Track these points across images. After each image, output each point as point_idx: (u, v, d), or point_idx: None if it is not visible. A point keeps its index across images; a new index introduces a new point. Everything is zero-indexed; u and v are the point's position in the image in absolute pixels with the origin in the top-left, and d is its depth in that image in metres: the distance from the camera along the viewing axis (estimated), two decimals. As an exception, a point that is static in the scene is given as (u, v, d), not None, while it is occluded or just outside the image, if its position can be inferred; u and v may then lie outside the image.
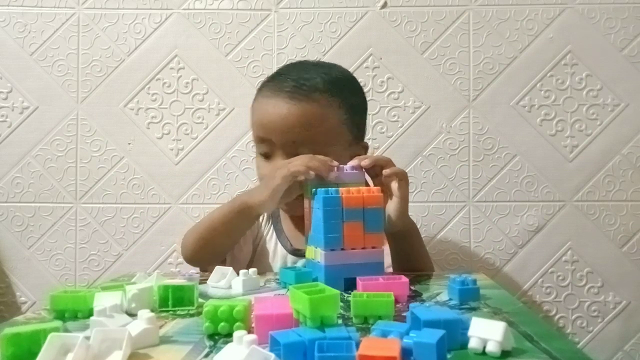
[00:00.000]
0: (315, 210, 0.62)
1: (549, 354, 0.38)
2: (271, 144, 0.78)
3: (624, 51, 1.05)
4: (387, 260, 0.71)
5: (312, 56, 1.07)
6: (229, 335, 0.42)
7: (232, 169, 1.08)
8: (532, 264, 1.05)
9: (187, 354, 0.40)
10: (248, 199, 0.73)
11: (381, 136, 1.07)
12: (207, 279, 0.66)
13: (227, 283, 0.63)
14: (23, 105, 1.10)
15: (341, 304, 0.52)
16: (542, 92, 1.06)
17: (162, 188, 1.09)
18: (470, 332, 0.38)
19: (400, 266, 0.76)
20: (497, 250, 1.06)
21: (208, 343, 0.42)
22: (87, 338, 0.37)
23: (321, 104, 0.77)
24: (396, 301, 0.50)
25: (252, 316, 0.43)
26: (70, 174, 1.10)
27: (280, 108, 0.77)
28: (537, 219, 1.05)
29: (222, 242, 0.77)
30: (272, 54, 1.08)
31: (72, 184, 1.10)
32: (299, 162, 0.67)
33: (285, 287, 0.63)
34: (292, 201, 0.73)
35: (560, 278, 1.05)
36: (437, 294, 0.58)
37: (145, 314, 0.42)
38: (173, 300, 0.52)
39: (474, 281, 0.55)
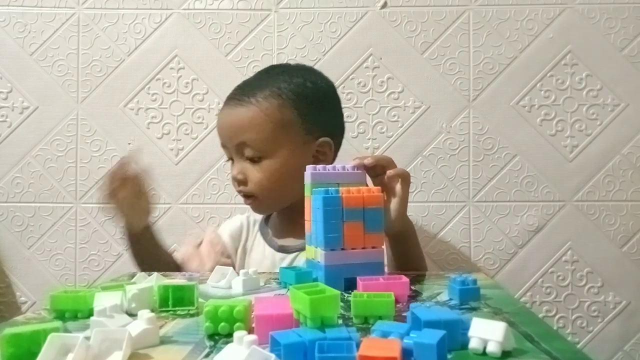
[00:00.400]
0: (315, 210, 0.62)
1: (550, 354, 0.38)
2: (228, 148, 0.84)
3: (624, 51, 1.05)
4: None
5: (312, 56, 1.08)
6: (229, 336, 0.42)
7: (232, 169, 1.08)
8: (532, 264, 1.05)
9: (188, 354, 0.40)
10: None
11: (381, 136, 1.07)
12: (207, 279, 0.66)
13: (227, 283, 0.63)
14: (23, 105, 1.10)
15: (341, 304, 0.52)
16: (542, 92, 1.06)
17: (162, 188, 1.09)
18: (470, 333, 0.38)
19: (397, 266, 0.77)
20: (497, 250, 1.06)
21: (208, 343, 0.42)
22: (87, 338, 0.37)
23: (259, 107, 0.79)
24: (396, 301, 0.50)
25: (252, 316, 0.43)
26: (70, 174, 1.10)
27: (225, 115, 0.83)
28: (537, 219, 1.05)
29: (149, 263, 0.83)
30: (272, 54, 1.08)
31: (72, 184, 1.10)
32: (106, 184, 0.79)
33: (285, 287, 0.63)
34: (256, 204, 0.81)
35: (560, 278, 1.05)
36: (438, 294, 0.58)
37: (145, 314, 0.42)
38: (173, 300, 0.52)
39: (474, 281, 0.55)
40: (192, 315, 0.51)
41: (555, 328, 0.99)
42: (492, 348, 0.37)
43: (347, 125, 1.07)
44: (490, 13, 1.07)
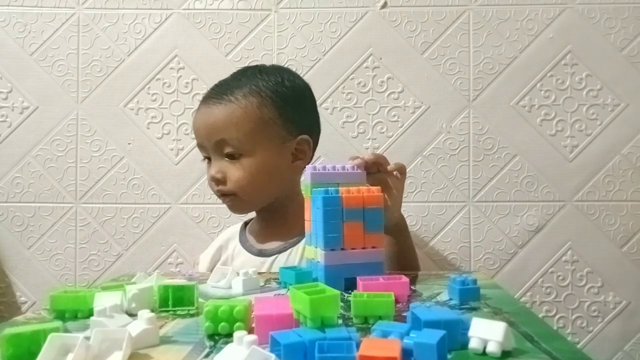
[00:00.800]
0: (315, 210, 0.62)
1: (550, 354, 0.38)
2: (205, 148, 0.83)
3: (624, 51, 1.05)
4: None
5: (312, 56, 1.08)
6: (229, 336, 0.42)
7: (232, 169, 1.08)
8: (532, 264, 1.05)
9: (188, 354, 0.40)
10: None
11: (381, 136, 1.07)
12: (207, 279, 0.66)
13: (227, 283, 0.63)
14: (23, 105, 1.10)
15: (341, 304, 0.52)
16: (542, 92, 1.06)
17: (162, 188, 1.09)
18: (470, 333, 0.38)
19: (392, 262, 0.78)
20: (497, 250, 1.06)
21: (208, 343, 0.42)
22: (87, 338, 0.37)
23: (239, 105, 0.79)
24: (396, 301, 0.50)
25: (252, 316, 0.43)
26: (70, 174, 1.10)
27: (203, 114, 0.82)
28: (537, 219, 1.05)
29: None
30: (272, 54, 1.08)
31: (72, 184, 1.10)
32: None
33: (285, 287, 0.63)
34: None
35: (560, 278, 1.05)
36: (437, 294, 0.58)
37: (145, 314, 0.42)
38: (173, 300, 0.52)
39: (474, 281, 0.55)
40: (192, 315, 0.51)
41: (555, 328, 0.99)
42: (492, 348, 0.37)
43: (347, 125, 1.07)
44: (490, 13, 1.07)
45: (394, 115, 1.07)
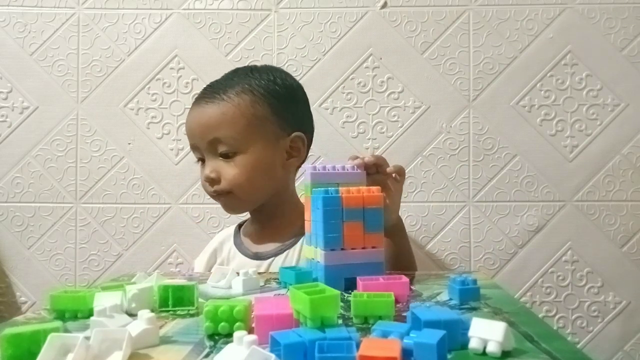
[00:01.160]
0: (315, 210, 0.62)
1: (550, 354, 0.38)
2: (198, 148, 0.83)
3: (624, 51, 1.05)
4: None
5: (312, 56, 1.08)
6: (229, 336, 0.42)
7: (232, 169, 1.08)
8: (532, 264, 1.05)
9: (187, 354, 0.40)
10: None
11: (381, 136, 1.07)
12: (207, 279, 0.66)
13: (227, 283, 0.63)
14: (23, 105, 1.10)
15: (341, 304, 0.52)
16: (542, 92, 1.06)
17: (162, 188, 1.09)
18: (470, 333, 0.38)
19: (389, 263, 0.78)
20: (497, 250, 1.06)
21: (208, 343, 0.42)
22: (87, 338, 0.37)
23: (232, 103, 0.79)
24: (396, 301, 0.50)
25: (252, 316, 0.43)
26: (70, 174, 1.10)
27: (196, 114, 0.82)
28: (537, 219, 1.05)
29: None
30: (272, 54, 1.08)
31: (72, 184, 1.10)
32: None
33: (285, 287, 0.63)
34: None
35: (560, 278, 1.05)
36: (437, 294, 0.58)
37: (145, 314, 0.42)
38: (173, 300, 0.52)
39: (474, 281, 0.55)
40: (192, 315, 0.51)
41: (555, 328, 0.99)
42: (492, 348, 0.37)
43: (347, 125, 1.07)
44: (490, 13, 1.07)
45: (394, 115, 1.07)
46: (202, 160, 0.84)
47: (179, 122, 1.09)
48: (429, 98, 1.07)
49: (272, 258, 0.82)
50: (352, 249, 0.61)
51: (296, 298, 0.43)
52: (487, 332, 0.38)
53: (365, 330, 0.44)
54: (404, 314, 0.47)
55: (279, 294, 0.59)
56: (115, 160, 1.10)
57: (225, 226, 1.05)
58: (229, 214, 1.02)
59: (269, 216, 0.86)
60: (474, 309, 0.52)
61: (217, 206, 1.05)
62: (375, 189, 0.63)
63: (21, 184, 1.10)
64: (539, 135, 1.06)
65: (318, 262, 0.62)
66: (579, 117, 1.06)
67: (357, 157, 0.71)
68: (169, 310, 0.52)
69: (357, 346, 0.34)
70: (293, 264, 0.80)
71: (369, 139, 1.07)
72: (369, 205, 0.61)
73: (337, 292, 0.43)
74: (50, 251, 1.10)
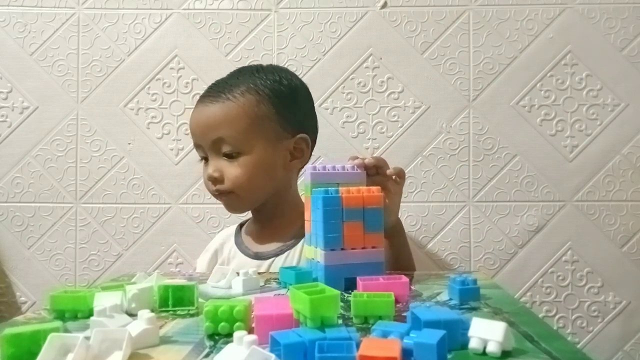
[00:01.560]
0: (315, 210, 0.62)
1: (549, 354, 0.38)
2: (202, 147, 0.83)
3: (624, 51, 1.05)
4: None
5: (312, 56, 1.08)
6: (229, 336, 0.42)
7: (232, 169, 1.08)
8: (532, 264, 1.05)
9: (187, 354, 0.40)
10: None
11: (381, 136, 1.07)
12: (207, 279, 0.66)
13: (227, 283, 0.63)
14: (23, 105, 1.10)
15: (341, 304, 0.52)
16: (542, 92, 1.06)
17: (162, 188, 1.09)
18: (470, 333, 0.38)
19: (388, 265, 0.77)
20: (497, 250, 1.06)
21: (208, 343, 0.42)
22: (87, 338, 0.37)
23: (237, 103, 0.79)
24: (396, 301, 0.50)
25: (252, 316, 0.43)
26: (70, 174, 1.10)
27: (200, 113, 0.82)
28: (537, 219, 1.05)
29: None
30: (272, 54, 1.08)
31: (72, 184, 1.10)
32: None
33: (285, 287, 0.63)
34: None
35: (560, 278, 1.05)
36: (437, 294, 0.58)
37: (145, 314, 0.42)
38: (173, 300, 0.52)
39: (474, 281, 0.55)
40: (192, 315, 0.51)
41: (555, 328, 0.99)
42: (492, 348, 0.37)
43: (347, 125, 1.07)
44: (490, 13, 1.07)
45: (394, 115, 1.07)
46: (205, 159, 0.84)
47: (179, 122, 1.09)
48: (429, 98, 1.07)
49: (273, 258, 0.82)
50: (352, 249, 0.61)
51: (296, 298, 0.43)
52: (487, 332, 0.38)
53: (365, 330, 0.44)
54: (404, 314, 0.47)
55: (279, 294, 0.59)
56: (115, 160, 1.10)
57: (225, 226, 1.05)
58: (229, 214, 1.03)
59: (270, 216, 0.86)
60: (474, 309, 0.52)
61: (217, 206, 1.05)
62: (375, 189, 0.63)
63: (21, 184, 1.10)
64: (539, 135, 1.06)
65: (318, 262, 0.62)
66: (579, 117, 1.06)
67: (357, 157, 0.71)
68: (169, 310, 0.52)
69: (357, 346, 0.34)
70: (294, 264, 0.80)
71: (369, 139, 1.07)
72: (369, 205, 0.61)
73: (337, 292, 0.43)
74: (50, 251, 1.10)
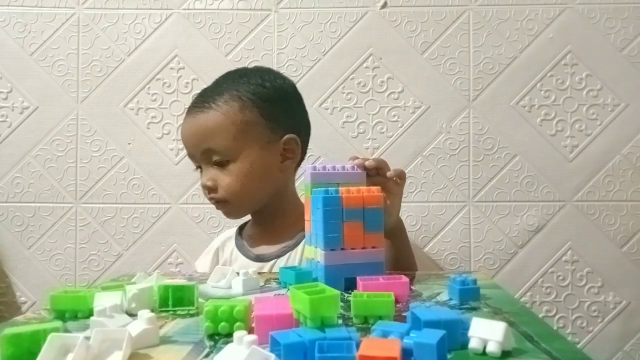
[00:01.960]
0: (315, 210, 0.62)
1: (549, 354, 0.38)
2: (194, 157, 0.83)
3: (624, 51, 1.05)
4: None
5: (312, 56, 1.08)
6: (229, 336, 0.42)
7: (232, 169, 1.08)
8: (532, 264, 1.05)
9: (187, 354, 0.40)
10: None
11: (381, 136, 1.07)
12: (207, 279, 0.66)
13: (227, 283, 0.63)
14: (23, 105, 1.10)
15: (341, 304, 0.52)
16: (542, 92, 1.06)
17: (162, 188, 1.09)
18: (470, 333, 0.38)
19: (389, 265, 0.78)
20: (497, 250, 1.06)
21: (208, 343, 0.42)
22: (87, 338, 0.37)
23: (221, 111, 0.79)
24: (396, 301, 0.50)
25: (252, 316, 0.43)
26: (70, 174, 1.10)
27: (188, 124, 0.82)
28: (537, 219, 1.05)
29: None
30: (272, 54, 1.08)
31: (72, 184, 1.10)
32: None
33: (285, 287, 0.63)
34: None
35: (560, 278, 1.05)
36: (437, 294, 0.58)
37: (145, 314, 0.42)
38: (173, 300, 0.52)
39: (474, 281, 0.55)
40: (192, 315, 0.51)
41: (555, 328, 0.99)
42: (492, 348, 0.37)
43: (347, 125, 1.07)
44: (490, 13, 1.07)
45: (394, 115, 1.07)
46: (200, 167, 0.84)
47: (179, 122, 1.09)
48: (429, 98, 1.07)
49: (274, 260, 0.82)
50: (352, 249, 0.61)
51: (296, 298, 0.43)
52: (487, 332, 0.38)
53: (365, 330, 0.44)
54: (404, 314, 0.47)
55: (279, 294, 0.59)
56: (115, 160, 1.10)
57: (225, 226, 1.05)
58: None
59: (269, 218, 0.86)
60: (474, 309, 0.52)
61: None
62: (375, 189, 0.63)
63: (21, 184, 1.10)
64: (539, 135, 1.06)
65: (318, 262, 0.62)
66: (579, 117, 1.06)
67: (357, 157, 0.71)
68: (169, 310, 0.52)
69: (357, 346, 0.34)
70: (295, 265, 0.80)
71: (369, 139, 1.07)
72: (369, 205, 0.61)
73: (337, 292, 0.43)
74: (50, 251, 1.10)
